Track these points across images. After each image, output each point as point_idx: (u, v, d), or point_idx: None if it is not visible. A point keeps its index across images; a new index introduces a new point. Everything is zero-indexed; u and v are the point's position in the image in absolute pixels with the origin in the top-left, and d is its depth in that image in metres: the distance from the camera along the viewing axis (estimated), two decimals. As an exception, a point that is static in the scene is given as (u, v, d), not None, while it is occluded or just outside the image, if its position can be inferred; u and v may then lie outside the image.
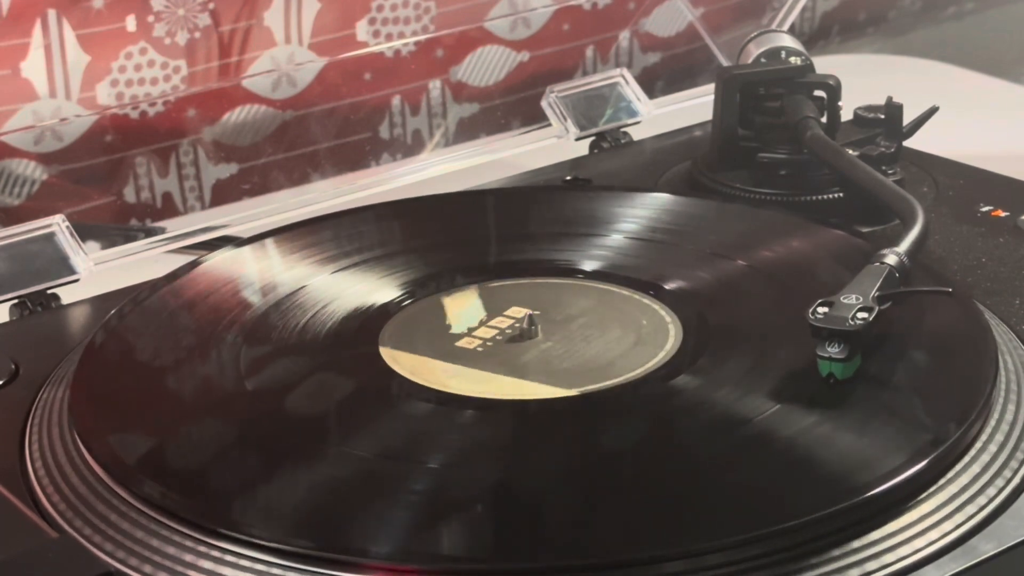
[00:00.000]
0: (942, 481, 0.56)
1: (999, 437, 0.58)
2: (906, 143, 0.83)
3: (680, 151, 0.91)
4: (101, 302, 0.75)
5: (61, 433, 0.61)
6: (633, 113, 0.97)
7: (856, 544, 0.53)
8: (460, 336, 0.67)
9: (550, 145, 0.95)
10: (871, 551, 0.53)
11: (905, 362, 0.63)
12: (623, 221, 0.77)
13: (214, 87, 0.95)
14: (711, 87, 0.85)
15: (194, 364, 0.66)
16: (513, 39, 1.07)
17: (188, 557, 0.53)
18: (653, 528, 0.53)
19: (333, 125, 1.00)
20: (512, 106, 1.07)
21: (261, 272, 0.74)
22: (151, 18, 0.90)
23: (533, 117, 0.97)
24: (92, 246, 0.81)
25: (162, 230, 0.87)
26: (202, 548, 0.54)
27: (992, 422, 0.59)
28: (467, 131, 1.07)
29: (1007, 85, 1.20)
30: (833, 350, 0.60)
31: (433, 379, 0.63)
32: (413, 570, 0.52)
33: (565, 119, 0.95)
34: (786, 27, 1.03)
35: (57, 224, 0.78)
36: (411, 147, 1.05)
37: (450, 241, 0.77)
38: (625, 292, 0.70)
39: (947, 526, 0.54)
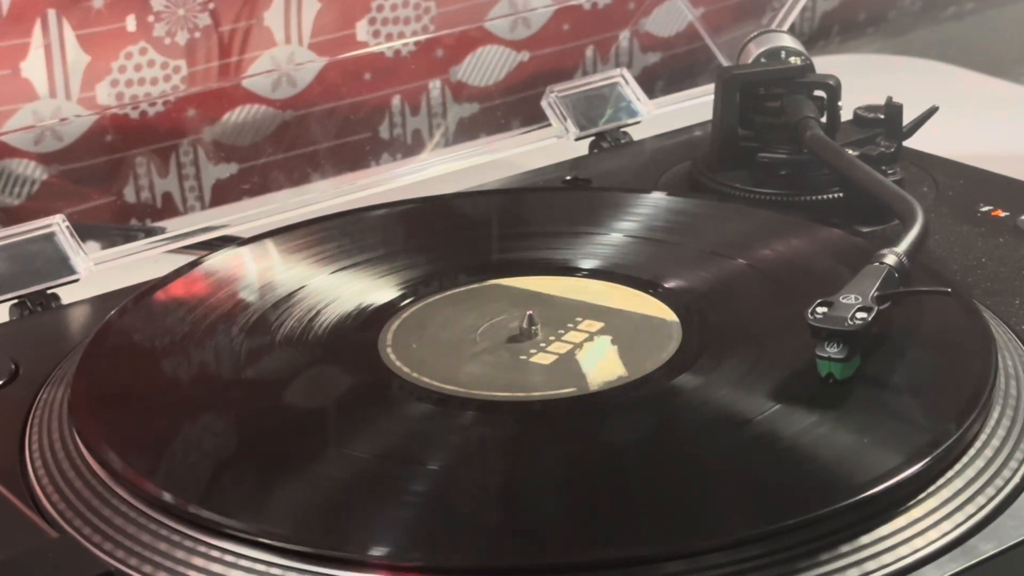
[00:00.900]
0: (942, 481, 0.56)
1: (999, 437, 0.58)
2: (906, 143, 0.83)
3: (680, 151, 0.91)
4: (101, 302, 0.75)
5: (61, 433, 0.61)
6: (633, 113, 0.97)
7: (855, 544, 0.53)
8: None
9: (550, 145, 0.95)
10: (871, 551, 0.53)
11: (905, 362, 0.63)
12: (623, 221, 0.77)
13: (214, 87, 0.95)
14: (711, 87, 0.85)
15: (194, 364, 0.66)
16: (513, 39, 1.07)
17: (188, 557, 0.53)
18: (653, 528, 0.53)
19: (333, 125, 1.00)
20: (512, 106, 1.07)
21: (261, 272, 0.74)
22: (151, 18, 0.90)
23: (533, 117, 0.97)
24: (92, 246, 0.81)
25: (162, 230, 0.87)
26: (202, 548, 0.54)
27: (991, 422, 0.59)
28: (467, 131, 1.07)
29: (1007, 85, 1.20)
30: (832, 350, 0.60)
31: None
32: (413, 570, 0.52)
33: (565, 119, 0.95)
34: (786, 27, 1.03)
35: (57, 224, 0.78)
36: (411, 147, 1.05)
37: (450, 241, 0.77)
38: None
39: (947, 526, 0.54)
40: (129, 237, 0.85)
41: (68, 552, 0.52)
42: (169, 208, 0.98)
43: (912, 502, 0.54)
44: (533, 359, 0.65)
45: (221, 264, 0.74)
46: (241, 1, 0.93)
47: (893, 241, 0.67)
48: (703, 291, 0.70)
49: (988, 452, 0.57)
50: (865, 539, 0.53)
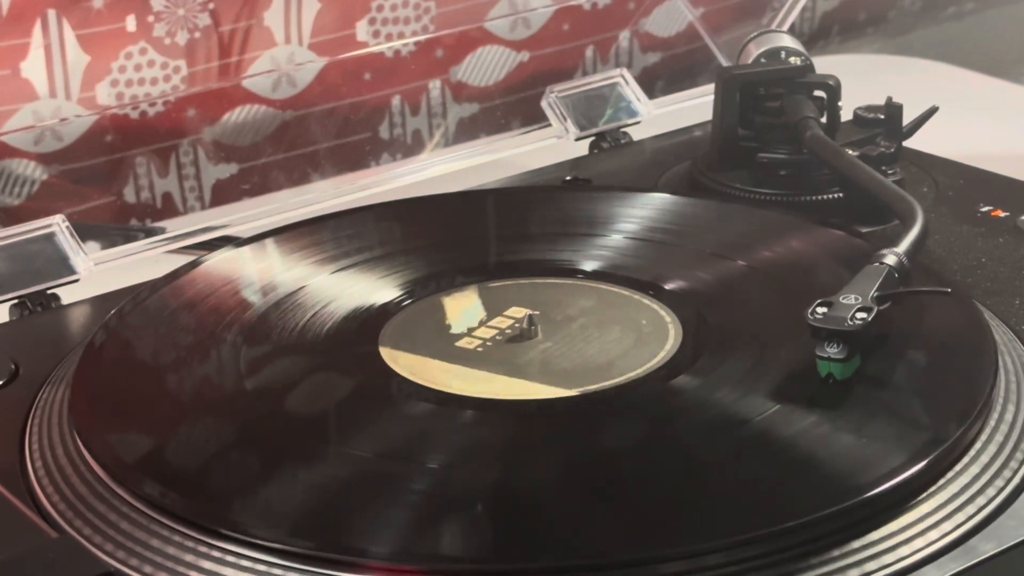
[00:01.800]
0: (942, 481, 0.56)
1: (999, 437, 0.58)
2: (906, 143, 0.83)
3: (680, 151, 0.91)
4: (101, 302, 0.75)
5: (61, 433, 0.61)
6: (633, 113, 0.97)
7: (856, 544, 0.53)
8: (460, 336, 0.67)
9: (550, 145, 0.95)
10: (871, 551, 0.53)
11: (905, 362, 0.63)
12: (623, 221, 0.77)
13: (214, 87, 0.95)
14: (711, 87, 0.85)
15: (194, 364, 0.66)
16: (513, 39, 1.07)
17: (188, 557, 0.53)
18: (653, 528, 0.53)
19: (333, 125, 1.00)
20: (512, 106, 1.07)
21: (261, 272, 0.74)
22: (151, 18, 0.90)
23: (533, 117, 0.97)
24: (92, 246, 0.81)
25: (162, 230, 0.87)
26: (202, 548, 0.54)
27: (992, 422, 0.59)
28: (467, 131, 1.07)
29: (1007, 85, 1.20)
30: (832, 350, 0.60)
31: (433, 379, 0.63)
32: (413, 570, 0.52)
33: (565, 119, 0.95)
34: (786, 27, 1.03)
35: (57, 224, 0.78)
36: (411, 147, 1.05)
37: (450, 241, 0.77)
38: (625, 292, 0.70)
39: (947, 526, 0.54)
40: (129, 237, 0.85)
41: (68, 552, 0.52)
42: (169, 208, 0.98)
43: (912, 502, 0.54)
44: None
45: (221, 264, 0.74)
46: (241, 1, 0.93)
47: (893, 241, 0.67)
48: (703, 291, 0.70)
49: (988, 452, 0.57)
50: (865, 539, 0.53)
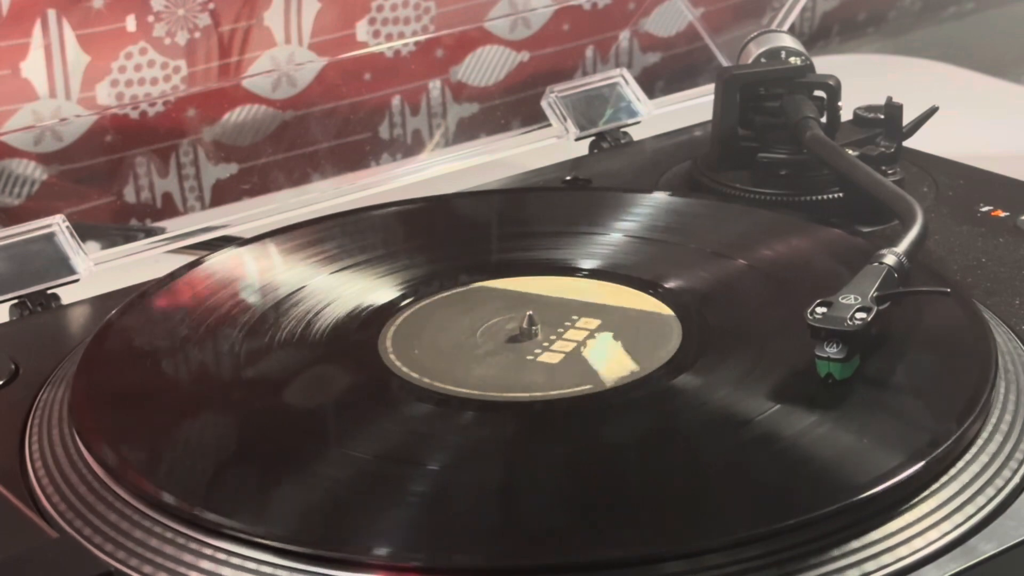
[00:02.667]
0: (942, 481, 0.56)
1: (999, 437, 0.58)
2: (906, 143, 0.83)
3: (680, 151, 0.91)
4: (101, 302, 0.75)
5: (61, 433, 0.61)
6: (633, 113, 0.97)
7: (855, 544, 0.53)
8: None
9: (550, 145, 0.95)
10: (870, 551, 0.53)
11: (904, 362, 0.63)
12: (623, 221, 0.77)
13: (214, 87, 0.95)
14: (711, 87, 0.85)
15: (194, 364, 0.66)
16: (513, 39, 1.07)
17: (188, 557, 0.53)
18: (653, 528, 0.53)
19: (333, 125, 1.00)
20: (512, 106, 1.07)
21: (261, 272, 0.74)
22: (151, 18, 0.90)
23: (533, 117, 0.97)
24: (92, 246, 0.81)
25: (162, 230, 0.87)
26: (202, 548, 0.54)
27: (991, 422, 0.59)
28: (467, 131, 1.07)
29: (1007, 85, 1.20)
30: (831, 350, 0.60)
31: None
32: (413, 570, 0.52)
33: (565, 119, 0.95)
34: (786, 27, 1.03)
35: (57, 224, 0.78)
36: (411, 147, 1.05)
37: (450, 241, 0.77)
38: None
39: (947, 526, 0.54)
40: (129, 237, 0.85)
41: (68, 552, 0.52)
42: (169, 208, 0.98)
43: (912, 502, 0.54)
44: (532, 359, 0.65)
45: (221, 264, 0.74)
46: (241, 1, 0.93)
47: (893, 241, 0.67)
48: (703, 291, 0.70)
49: (988, 452, 0.57)
50: (865, 539, 0.53)
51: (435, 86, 1.05)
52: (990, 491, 0.56)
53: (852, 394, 0.60)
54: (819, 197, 0.79)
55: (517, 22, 1.06)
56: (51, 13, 0.87)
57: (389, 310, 0.69)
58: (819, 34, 1.32)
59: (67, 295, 0.76)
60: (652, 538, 0.53)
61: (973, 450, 0.57)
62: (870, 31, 1.37)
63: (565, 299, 0.70)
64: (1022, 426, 0.59)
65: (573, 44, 1.10)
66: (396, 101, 1.04)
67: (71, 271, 0.77)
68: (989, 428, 0.59)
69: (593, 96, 0.97)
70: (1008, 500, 0.56)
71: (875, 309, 0.61)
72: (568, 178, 0.88)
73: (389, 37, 1.00)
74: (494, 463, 0.58)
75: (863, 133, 0.83)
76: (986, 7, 1.44)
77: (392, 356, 0.65)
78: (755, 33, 0.89)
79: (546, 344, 0.66)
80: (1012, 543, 0.54)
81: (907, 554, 0.53)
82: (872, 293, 0.62)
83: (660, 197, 0.80)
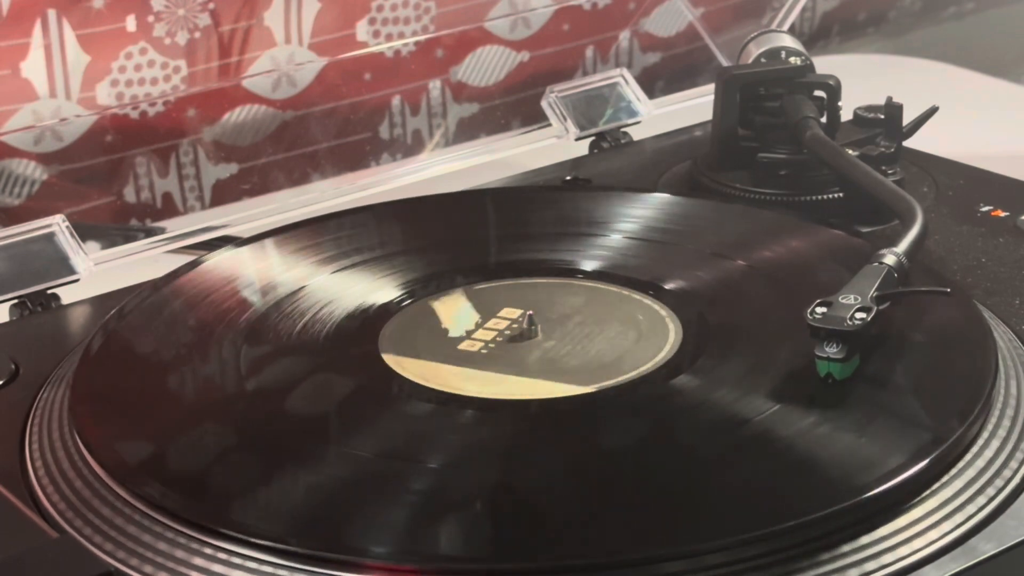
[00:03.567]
0: (942, 481, 0.56)
1: (999, 437, 0.58)
2: (906, 143, 0.83)
3: (680, 151, 0.91)
4: (101, 302, 0.75)
5: (61, 433, 0.61)
6: (633, 113, 0.97)
7: (856, 544, 0.53)
8: (460, 336, 0.67)
9: (550, 145, 0.95)
10: (871, 551, 0.53)
11: (905, 362, 0.63)
12: (623, 221, 0.77)
13: (214, 87, 0.95)
14: (711, 87, 0.85)
15: (194, 364, 0.66)
16: (513, 39, 1.07)
17: (188, 557, 0.53)
18: (653, 528, 0.53)
19: (333, 125, 1.00)
20: (512, 106, 1.07)
21: (261, 272, 0.74)
22: (151, 18, 0.90)
23: (533, 117, 0.97)
24: (92, 246, 0.81)
25: (162, 230, 0.87)
26: (202, 548, 0.54)
27: (992, 422, 0.59)
28: (467, 131, 1.07)
29: (1007, 85, 1.20)
30: (831, 350, 0.60)
31: (432, 379, 0.63)
32: (413, 570, 0.52)
33: (565, 119, 0.95)
34: (786, 27, 1.03)
35: (57, 224, 0.78)
36: (411, 147, 1.05)
37: (450, 241, 0.77)
38: (625, 292, 0.70)
39: (947, 526, 0.54)
40: (129, 237, 0.85)
41: (68, 552, 0.52)
42: (169, 208, 0.98)
43: (912, 502, 0.54)
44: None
45: (221, 264, 0.74)
46: (241, 1, 0.93)
47: (893, 241, 0.67)
48: (703, 291, 0.70)
49: (988, 452, 0.57)
50: (865, 539, 0.53)
51: (435, 86, 1.05)
52: (990, 491, 0.56)
53: (852, 394, 0.60)
54: (819, 197, 0.79)
55: (517, 22, 1.06)
56: (51, 13, 0.87)
57: (389, 310, 0.69)
58: (819, 34, 1.32)
59: (67, 295, 0.76)
60: (652, 538, 0.53)
61: (973, 450, 0.57)
62: (870, 31, 1.37)
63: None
64: (1022, 426, 0.59)
65: (573, 44, 1.10)
66: (396, 101, 1.04)
67: (71, 271, 0.77)
68: (989, 428, 0.59)
69: (593, 96, 0.97)
70: (1008, 500, 0.56)
71: (875, 309, 0.61)
72: (568, 178, 0.88)
73: (389, 37, 1.00)
74: (494, 463, 0.58)
75: (863, 133, 0.83)
76: (986, 7, 1.44)
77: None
78: (755, 33, 0.89)
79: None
80: (1012, 543, 0.54)
81: (907, 554, 0.53)
82: (872, 293, 0.62)
83: (660, 197, 0.80)
